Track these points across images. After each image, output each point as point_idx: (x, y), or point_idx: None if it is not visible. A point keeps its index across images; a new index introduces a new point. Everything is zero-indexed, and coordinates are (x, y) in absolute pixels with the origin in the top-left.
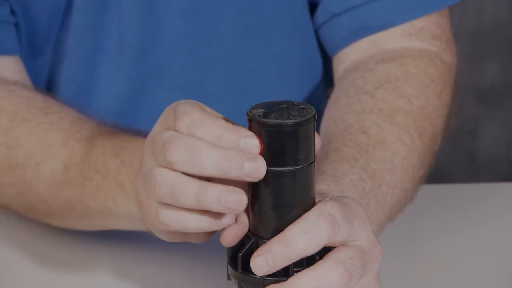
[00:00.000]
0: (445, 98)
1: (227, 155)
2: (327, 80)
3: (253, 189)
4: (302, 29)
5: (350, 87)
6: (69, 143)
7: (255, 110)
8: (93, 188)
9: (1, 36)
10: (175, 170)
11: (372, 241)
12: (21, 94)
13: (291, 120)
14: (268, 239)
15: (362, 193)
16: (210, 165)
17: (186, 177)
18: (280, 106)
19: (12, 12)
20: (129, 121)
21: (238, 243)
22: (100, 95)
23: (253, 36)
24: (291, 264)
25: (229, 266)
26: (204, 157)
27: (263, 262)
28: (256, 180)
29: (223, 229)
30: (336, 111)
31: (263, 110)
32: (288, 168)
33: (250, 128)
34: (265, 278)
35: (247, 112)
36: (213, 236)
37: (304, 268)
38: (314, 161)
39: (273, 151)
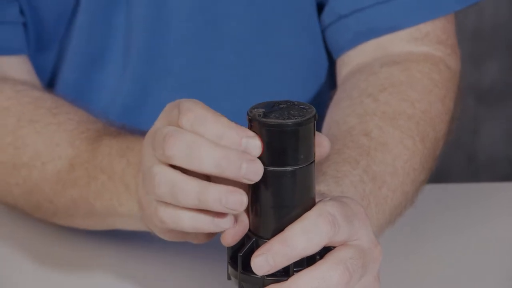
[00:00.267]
0: (448, 103)
1: (227, 153)
2: (332, 81)
3: (253, 189)
4: (310, 29)
5: (354, 89)
6: (75, 143)
7: (255, 110)
8: (98, 188)
9: (10, 36)
10: (173, 166)
11: (372, 241)
12: (29, 94)
13: (292, 120)
14: (268, 239)
15: (363, 194)
16: (209, 162)
17: (186, 176)
18: (280, 105)
19: (21, 11)
20: (133, 120)
21: (238, 243)
22: (105, 93)
23: (260, 36)
24: (291, 264)
25: (229, 266)
26: (203, 154)
27: (264, 261)
28: (252, 182)
29: None
30: (339, 113)
31: (264, 110)
32: (289, 168)
33: (250, 128)
34: (265, 277)
35: (247, 112)
36: (213, 237)
37: (305, 268)
38: (314, 161)
39: (273, 151)
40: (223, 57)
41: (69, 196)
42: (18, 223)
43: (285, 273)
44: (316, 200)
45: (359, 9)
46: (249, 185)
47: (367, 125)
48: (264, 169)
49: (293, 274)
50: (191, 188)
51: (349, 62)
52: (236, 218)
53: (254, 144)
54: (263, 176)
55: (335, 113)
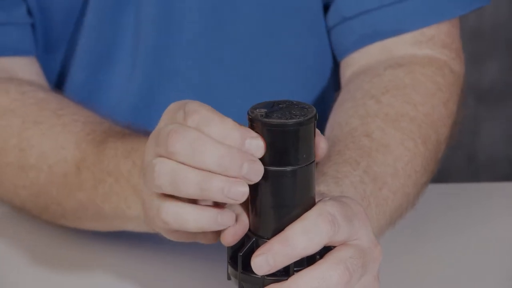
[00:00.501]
0: (451, 107)
1: (229, 152)
2: (338, 83)
3: (253, 188)
4: (317, 30)
5: (357, 90)
6: (81, 146)
7: (256, 110)
8: (106, 191)
9: (18, 38)
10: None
11: (372, 240)
12: (35, 96)
13: (294, 120)
14: (268, 239)
15: (363, 195)
16: (211, 160)
17: (187, 167)
18: (280, 105)
19: (29, 12)
20: (142, 120)
21: (238, 243)
22: (113, 92)
23: (269, 36)
24: (291, 264)
25: (229, 266)
26: (206, 151)
27: (264, 261)
28: (252, 182)
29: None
30: (341, 115)
31: (265, 110)
32: (289, 168)
33: (251, 128)
34: (265, 277)
35: (247, 112)
36: None
37: (305, 268)
38: (314, 160)
39: (275, 151)
40: (231, 57)
41: (77, 199)
42: (18, 223)
43: (285, 273)
44: (316, 200)
45: (365, 12)
46: (249, 184)
47: (369, 126)
48: (265, 168)
49: (293, 274)
50: (193, 177)
51: (353, 64)
52: (236, 217)
53: (257, 144)
54: (263, 176)
55: (338, 115)
